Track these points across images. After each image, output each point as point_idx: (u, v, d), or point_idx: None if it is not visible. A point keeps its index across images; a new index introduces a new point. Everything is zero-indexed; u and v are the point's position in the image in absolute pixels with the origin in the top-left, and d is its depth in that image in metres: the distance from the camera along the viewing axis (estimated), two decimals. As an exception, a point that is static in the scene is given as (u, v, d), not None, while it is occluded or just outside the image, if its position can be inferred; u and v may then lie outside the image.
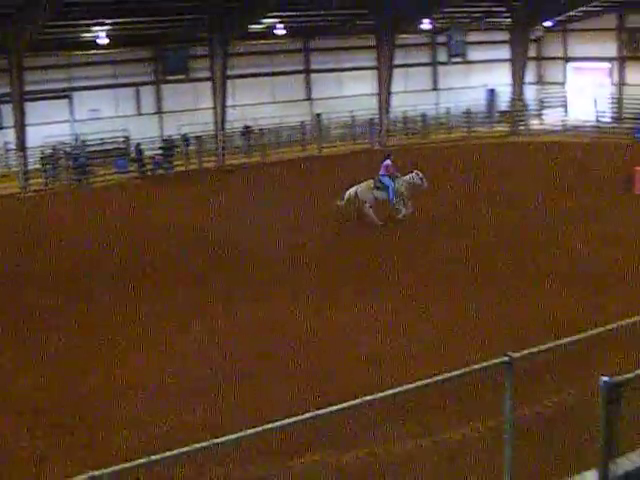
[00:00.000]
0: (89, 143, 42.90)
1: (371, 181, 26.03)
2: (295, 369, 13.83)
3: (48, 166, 40.06)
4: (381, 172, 26.26)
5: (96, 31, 40.84)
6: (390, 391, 7.32)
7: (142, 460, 6.08)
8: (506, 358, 7.68)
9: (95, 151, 42.62)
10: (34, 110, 40.09)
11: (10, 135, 40.03)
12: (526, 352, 8.08)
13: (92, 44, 41.96)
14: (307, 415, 6.80)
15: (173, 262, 23.06)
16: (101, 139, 43.73)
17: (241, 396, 12.63)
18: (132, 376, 13.87)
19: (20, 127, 38.59)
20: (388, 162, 26.56)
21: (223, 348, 15.25)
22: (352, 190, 25.79)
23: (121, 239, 26.19)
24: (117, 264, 22.97)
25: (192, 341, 15.88)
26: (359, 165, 37.23)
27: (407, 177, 26.26)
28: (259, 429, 6.65)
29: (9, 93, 38.47)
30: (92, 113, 44.34)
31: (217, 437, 6.49)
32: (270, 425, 6.64)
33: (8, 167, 41.22)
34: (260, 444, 8.92)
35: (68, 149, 41.78)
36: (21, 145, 38.80)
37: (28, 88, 38.96)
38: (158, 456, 6.19)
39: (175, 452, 6.31)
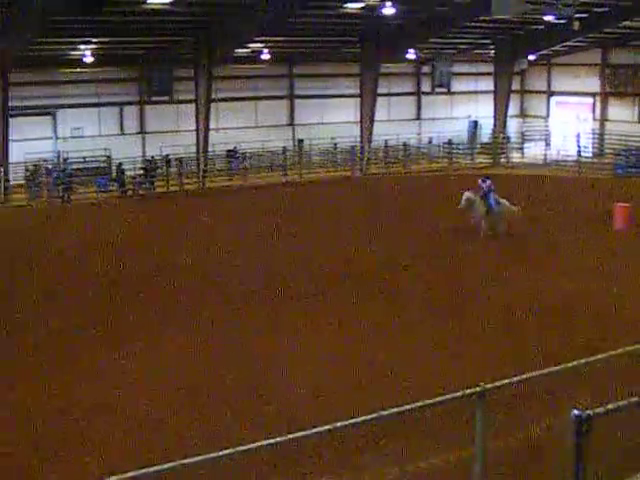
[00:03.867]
0: (71, 161, 42.80)
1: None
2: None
3: (30, 182, 40.05)
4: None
5: (82, 49, 41.02)
6: (361, 418, 7.36)
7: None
8: (478, 388, 7.74)
9: (77, 169, 42.56)
10: (18, 126, 40.13)
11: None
12: (498, 383, 8.13)
13: (78, 62, 42.15)
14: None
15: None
16: (83, 157, 43.75)
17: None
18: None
19: (3, 142, 38.63)
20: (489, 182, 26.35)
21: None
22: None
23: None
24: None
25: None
26: (337, 192, 37.47)
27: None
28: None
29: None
30: (75, 131, 44.35)
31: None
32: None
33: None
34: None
35: (50, 166, 41.77)
36: (3, 160, 38.75)
37: (12, 104, 39.09)
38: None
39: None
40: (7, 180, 38.91)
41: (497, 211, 25.84)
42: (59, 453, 11.24)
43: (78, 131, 44.52)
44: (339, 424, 7.27)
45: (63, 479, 10.61)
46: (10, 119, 38.81)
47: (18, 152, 39.91)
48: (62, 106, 44.05)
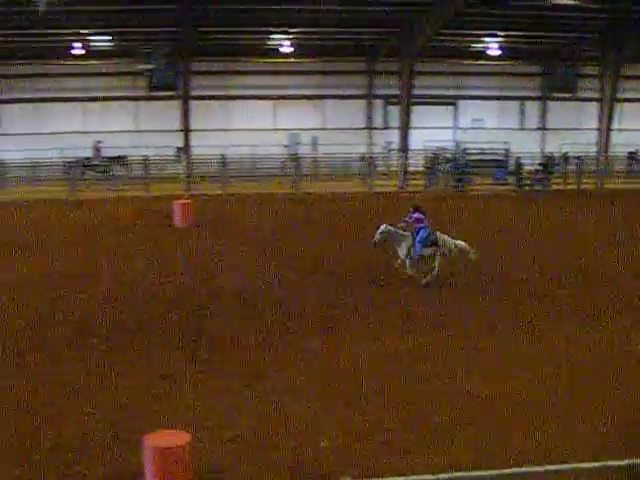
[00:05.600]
0: (469, 151, 43.86)
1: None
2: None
3: (428, 169, 41.62)
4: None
5: (486, 42, 42.10)
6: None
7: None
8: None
9: (474, 160, 43.40)
10: (419, 114, 42.06)
11: (394, 136, 42.27)
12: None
13: (481, 55, 43.30)
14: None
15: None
16: (481, 149, 44.57)
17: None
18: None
19: (404, 129, 40.71)
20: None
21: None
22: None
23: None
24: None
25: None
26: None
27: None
28: None
29: (398, 95, 40.71)
30: (475, 122, 45.52)
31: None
32: None
33: (388, 166, 43.32)
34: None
35: (449, 155, 43.09)
36: (404, 146, 40.86)
37: (416, 92, 40.86)
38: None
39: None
40: (407, 166, 40.53)
41: (427, 252, 19.19)
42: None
43: (478, 122, 45.67)
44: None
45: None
46: (413, 107, 40.71)
47: (418, 139, 41.69)
48: (464, 97, 45.61)
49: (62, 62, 44.64)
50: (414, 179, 39.83)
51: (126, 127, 45.31)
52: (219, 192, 34.77)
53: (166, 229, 25.71)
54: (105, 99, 45.68)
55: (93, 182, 38.72)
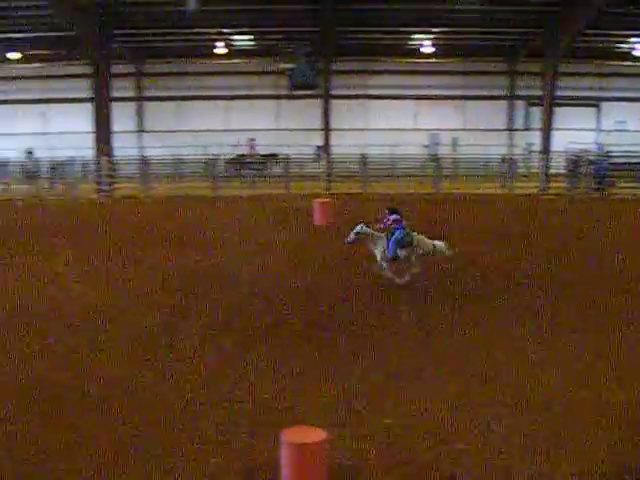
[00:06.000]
0: (612, 154, 42.88)
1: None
2: None
3: (570, 172, 40.81)
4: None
5: (632, 42, 41.26)
6: None
7: None
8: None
9: (617, 163, 42.32)
10: (561, 115, 41.48)
11: (535, 137, 41.81)
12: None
13: (627, 55, 42.48)
14: None
15: None
16: (625, 151, 43.55)
17: None
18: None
19: (546, 130, 40.23)
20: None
21: None
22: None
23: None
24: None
25: None
26: None
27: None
28: None
29: (540, 96, 40.27)
30: (618, 124, 44.55)
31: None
32: None
33: (529, 168, 42.84)
34: None
35: (591, 157, 42.23)
36: (545, 148, 40.36)
37: (558, 93, 40.22)
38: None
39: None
40: (549, 168, 40.05)
41: (402, 253, 17.77)
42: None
43: (621, 125, 44.65)
44: None
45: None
46: (555, 108, 40.12)
47: (559, 141, 41.16)
48: (607, 98, 44.66)
49: (205, 61, 45.80)
50: (555, 181, 39.24)
51: (267, 126, 46.19)
52: (359, 191, 35.04)
53: (306, 227, 26.06)
54: (247, 97, 46.62)
55: (236, 180, 39.72)
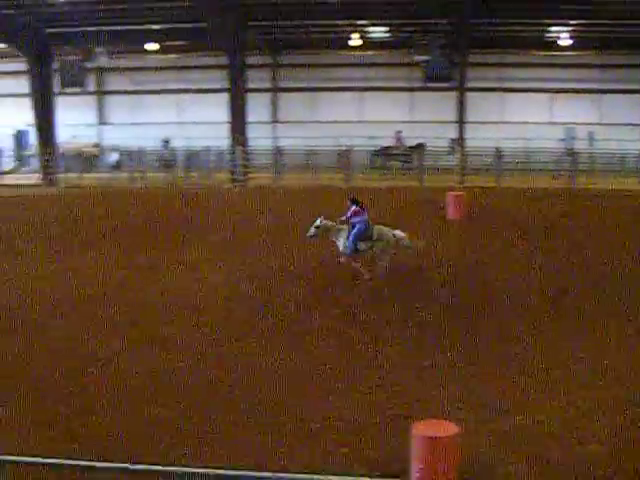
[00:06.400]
0: None
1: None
2: None
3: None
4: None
5: None
6: None
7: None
8: None
9: None
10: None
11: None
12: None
13: None
14: None
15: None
16: None
17: None
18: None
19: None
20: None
21: None
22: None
23: None
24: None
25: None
26: None
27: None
28: None
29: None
30: None
31: None
32: None
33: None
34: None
35: None
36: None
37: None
38: None
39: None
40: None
41: (362, 246, 16.90)
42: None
43: None
44: None
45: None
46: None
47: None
48: None
49: (339, 52, 45.99)
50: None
51: (401, 118, 46.01)
52: (493, 185, 34.57)
53: (439, 220, 25.83)
54: (381, 89, 46.60)
55: (371, 171, 39.95)
